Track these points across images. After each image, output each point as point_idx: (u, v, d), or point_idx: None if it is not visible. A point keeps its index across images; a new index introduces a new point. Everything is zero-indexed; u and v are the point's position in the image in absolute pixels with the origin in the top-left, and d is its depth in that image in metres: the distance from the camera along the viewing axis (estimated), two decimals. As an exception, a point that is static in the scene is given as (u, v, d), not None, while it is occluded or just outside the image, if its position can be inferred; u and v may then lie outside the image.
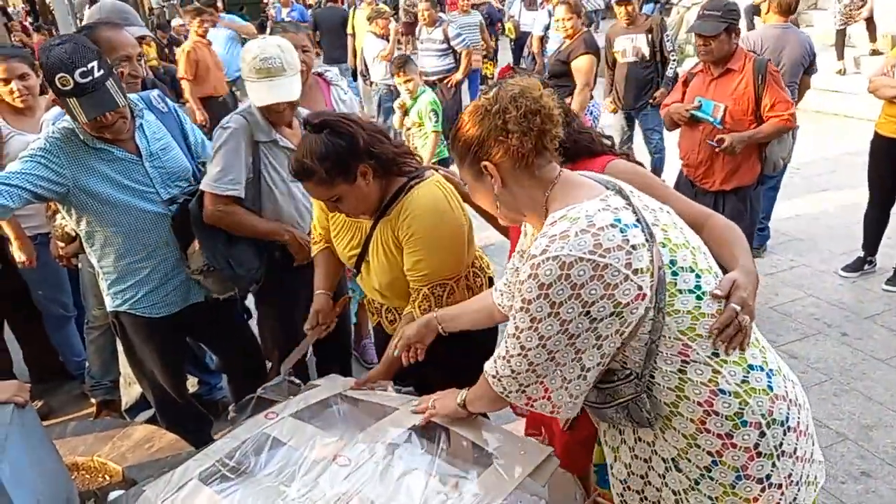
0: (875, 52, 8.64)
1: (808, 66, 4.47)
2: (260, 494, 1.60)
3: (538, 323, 1.24)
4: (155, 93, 2.46)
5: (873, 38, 8.65)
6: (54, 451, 2.14)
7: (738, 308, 1.29)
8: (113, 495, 2.00)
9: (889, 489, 2.61)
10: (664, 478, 1.40)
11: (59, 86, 1.98)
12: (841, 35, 8.47)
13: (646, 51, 5.23)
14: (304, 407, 1.99)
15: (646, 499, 1.46)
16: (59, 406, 3.31)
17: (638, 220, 1.27)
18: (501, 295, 1.70)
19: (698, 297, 1.29)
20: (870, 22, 8.47)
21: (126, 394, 2.96)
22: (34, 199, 2.08)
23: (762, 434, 1.30)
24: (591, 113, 4.93)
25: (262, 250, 2.48)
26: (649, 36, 5.22)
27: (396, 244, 1.97)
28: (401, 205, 1.92)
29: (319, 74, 2.97)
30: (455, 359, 1.89)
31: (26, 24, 16.34)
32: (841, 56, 8.59)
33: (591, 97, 5.02)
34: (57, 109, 2.47)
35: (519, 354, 1.29)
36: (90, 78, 1.98)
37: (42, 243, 2.94)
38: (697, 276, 1.31)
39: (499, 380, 1.36)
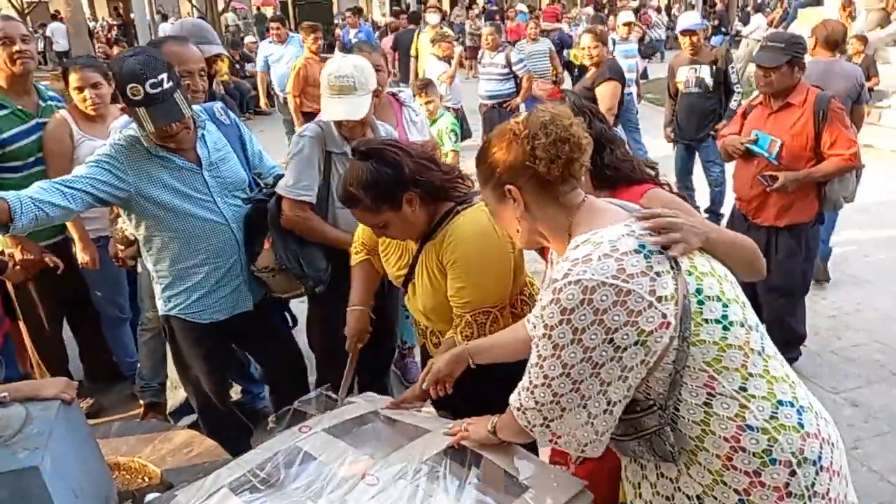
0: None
1: (856, 98, 4.38)
2: (288, 505, 1.60)
3: (561, 350, 1.21)
4: (218, 105, 2.55)
5: None
6: (97, 449, 2.19)
7: (672, 223, 1.29)
8: (149, 497, 2.03)
9: (955, 555, 2.43)
10: None
11: (130, 95, 2.07)
12: None
13: (709, 81, 5.13)
14: (338, 423, 1.99)
15: None
16: (108, 405, 3.40)
17: (663, 247, 1.25)
18: (535, 327, 1.67)
19: (725, 328, 1.26)
20: None
21: (171, 397, 3.03)
22: (97, 203, 2.17)
23: (793, 473, 1.24)
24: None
25: (329, 255, 2.54)
26: (713, 67, 5.12)
27: (441, 269, 1.96)
28: (446, 230, 1.92)
29: (394, 94, 3.03)
30: (483, 391, 1.86)
31: (110, 36, 17.26)
32: None
33: (616, 123, 5.09)
34: (125, 117, 2.58)
35: (543, 384, 1.26)
36: (159, 89, 2.06)
37: (104, 246, 3.05)
38: (724, 305, 1.28)
39: (523, 412, 1.33)
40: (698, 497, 1.31)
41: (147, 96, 2.06)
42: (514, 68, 6.92)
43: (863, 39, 8.45)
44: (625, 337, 1.19)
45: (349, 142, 2.47)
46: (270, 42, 8.99)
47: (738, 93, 5.24)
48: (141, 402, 3.23)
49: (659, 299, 1.19)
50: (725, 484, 1.27)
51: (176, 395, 3.00)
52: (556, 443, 1.31)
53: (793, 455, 1.25)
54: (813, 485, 1.26)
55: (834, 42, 4.35)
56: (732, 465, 1.25)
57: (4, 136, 2.86)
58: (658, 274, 1.20)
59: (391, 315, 2.79)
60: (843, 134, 3.15)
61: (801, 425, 1.27)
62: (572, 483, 1.57)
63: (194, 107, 2.33)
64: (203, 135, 2.35)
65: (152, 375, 3.16)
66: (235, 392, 3.31)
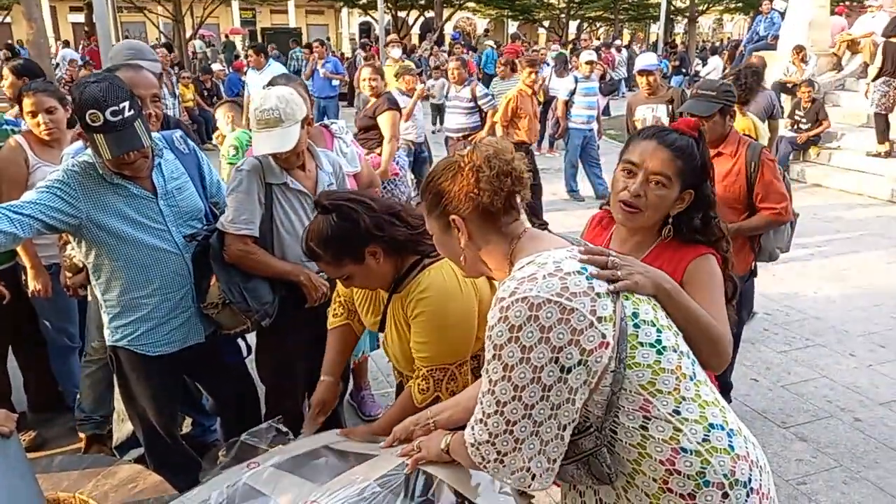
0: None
1: (771, 114, 5.75)
2: (230, 544, 1.56)
3: (511, 371, 1.23)
4: (178, 133, 2.53)
5: None
6: (35, 484, 2.11)
7: (619, 264, 1.34)
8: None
9: (898, 589, 2.48)
10: None
11: (89, 121, 2.05)
12: (882, 119, 8.55)
13: (665, 120, 5.29)
14: (288, 458, 1.96)
15: None
16: (52, 437, 3.28)
17: (608, 281, 1.30)
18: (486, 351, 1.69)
19: (658, 352, 1.30)
20: None
21: (118, 430, 2.93)
22: (46, 230, 2.12)
23: (725, 495, 1.28)
24: (398, 163, 5.43)
25: (275, 286, 2.51)
26: (670, 106, 5.29)
27: (407, 321, 1.97)
28: (412, 283, 1.93)
29: (325, 126, 3.04)
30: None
31: (73, 67, 17.08)
32: (883, 139, 8.65)
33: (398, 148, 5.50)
34: (78, 144, 2.55)
35: (496, 412, 1.26)
36: (120, 117, 2.05)
37: (56, 273, 2.98)
38: (658, 330, 1.33)
39: (477, 448, 1.32)
40: None
41: (106, 123, 2.04)
42: (479, 102, 7.04)
43: (811, 84, 8.81)
44: (569, 357, 1.21)
45: (289, 172, 2.48)
46: (252, 68, 9.18)
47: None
48: (81, 434, 3.12)
49: (599, 319, 1.23)
50: None
51: (122, 427, 2.91)
52: (509, 480, 1.30)
53: (724, 477, 1.28)
54: None
55: None
56: (668, 488, 1.28)
57: None
58: (598, 295, 1.25)
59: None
60: (775, 187, 3.10)
61: (732, 447, 1.31)
62: (521, 497, 1.58)
63: (154, 134, 2.32)
64: (160, 163, 2.33)
65: (94, 407, 3.07)
66: (186, 424, 3.23)
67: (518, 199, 1.41)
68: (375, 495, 1.61)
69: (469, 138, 7.01)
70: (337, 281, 2.25)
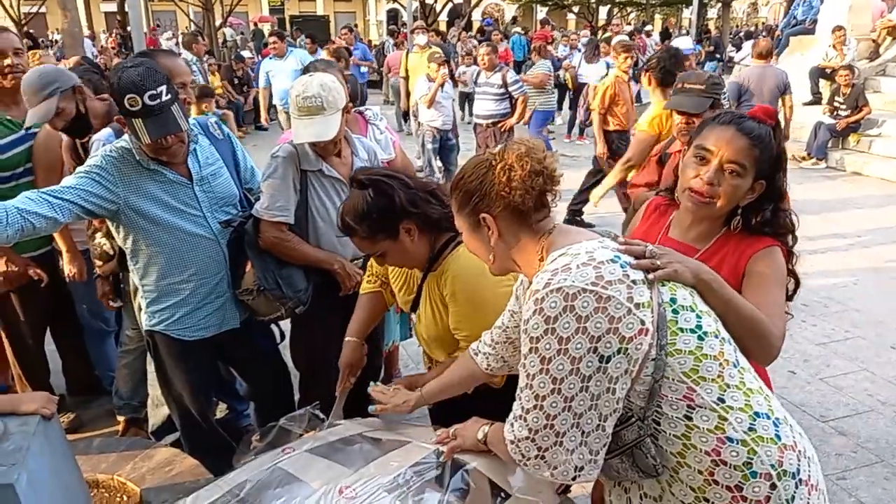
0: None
1: (783, 92, 6.90)
2: (264, 528, 1.57)
3: (549, 364, 1.21)
4: (212, 119, 2.54)
5: None
6: (75, 466, 2.15)
7: (657, 254, 1.33)
8: (135, 520, 1.98)
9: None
10: None
11: (128, 106, 2.06)
12: None
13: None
14: (323, 444, 1.96)
15: None
16: (89, 420, 3.34)
17: (646, 271, 1.29)
18: (486, 357, 1.71)
19: (700, 338, 1.28)
20: None
21: (153, 415, 2.97)
22: (85, 215, 2.14)
23: (773, 486, 1.25)
24: None
25: (310, 274, 2.51)
26: (705, 92, 5.17)
27: (443, 301, 1.96)
28: (447, 260, 1.92)
29: (360, 112, 3.02)
30: (482, 406, 1.83)
31: (114, 46, 17.29)
32: None
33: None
34: (107, 131, 2.57)
35: (535, 407, 1.25)
36: (158, 101, 2.06)
37: (90, 259, 3.01)
38: (698, 316, 1.31)
39: (517, 445, 1.31)
40: None
41: (145, 108, 2.05)
42: (509, 89, 6.97)
43: (850, 69, 8.56)
44: (608, 345, 1.20)
45: (324, 159, 2.47)
46: (271, 58, 9.11)
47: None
48: (119, 417, 3.17)
49: (637, 306, 1.22)
50: (707, 500, 1.27)
51: (158, 413, 2.94)
52: (553, 476, 1.29)
53: (772, 467, 1.25)
54: (793, 498, 1.27)
55: (766, 52, 7.38)
56: (714, 479, 1.26)
57: None
58: (634, 282, 1.24)
59: (377, 331, 2.76)
60: None
61: (779, 437, 1.28)
62: (555, 498, 1.55)
63: (189, 120, 2.32)
64: (195, 149, 2.34)
65: (132, 395, 3.12)
66: (220, 409, 3.26)
67: (549, 197, 1.40)
68: (409, 482, 1.61)
69: (499, 125, 6.95)
70: (371, 260, 2.25)
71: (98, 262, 2.89)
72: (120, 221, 2.24)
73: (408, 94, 8.63)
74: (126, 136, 2.22)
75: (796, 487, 1.27)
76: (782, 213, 1.70)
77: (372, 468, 1.71)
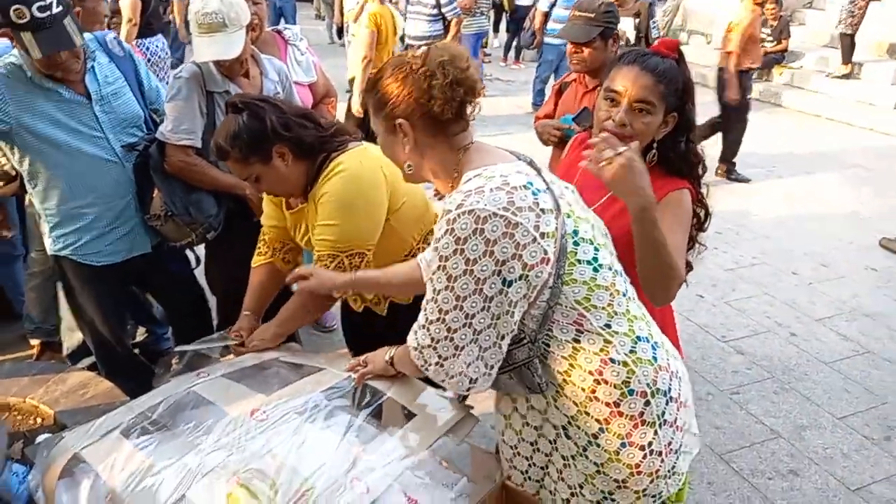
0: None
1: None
2: (174, 447, 1.60)
3: (454, 282, 1.25)
4: (111, 35, 2.39)
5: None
6: (-19, 391, 2.12)
7: (622, 149, 1.40)
8: (40, 438, 1.98)
9: (813, 488, 2.69)
10: (555, 443, 1.44)
11: (14, 18, 1.92)
12: (847, 39, 8.53)
13: (630, 35, 5.19)
14: (237, 368, 1.98)
15: (534, 464, 1.51)
16: (5, 344, 3.24)
17: (548, 188, 1.32)
18: (430, 262, 1.71)
19: (595, 269, 1.34)
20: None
21: (68, 339, 2.92)
22: (-27, 135, 2.02)
23: (647, 403, 1.36)
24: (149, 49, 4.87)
25: (221, 199, 2.46)
26: (636, 20, 5.18)
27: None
28: (321, 178, 1.91)
29: (278, 31, 2.90)
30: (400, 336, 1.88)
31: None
32: (847, 60, 8.65)
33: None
34: (4, 42, 2.39)
35: (438, 320, 1.30)
36: (48, 13, 1.93)
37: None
38: (596, 248, 1.36)
39: (420, 351, 1.36)
40: (563, 427, 1.41)
41: (34, 20, 1.91)
42: (443, 10, 6.78)
43: (778, 1, 8.71)
44: (511, 270, 1.24)
45: (231, 80, 2.39)
46: None
47: (658, 48, 5.33)
48: (33, 342, 3.10)
49: (542, 235, 1.25)
50: (588, 414, 1.37)
51: (72, 336, 2.89)
52: (449, 383, 1.35)
53: (647, 386, 1.36)
54: (663, 413, 1.38)
55: None
56: (595, 396, 1.35)
57: None
58: (543, 211, 1.26)
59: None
60: None
61: (655, 359, 1.38)
62: (459, 408, 1.63)
63: (85, 35, 2.19)
64: (93, 66, 2.21)
65: (43, 318, 3.04)
66: (140, 333, 3.23)
67: (468, 110, 1.37)
68: (319, 407, 1.66)
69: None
70: (264, 218, 2.19)
71: (-1, 183, 2.75)
72: (14, 143, 2.12)
73: (341, 9, 8.30)
74: (15, 51, 2.08)
75: (667, 404, 1.39)
76: (692, 146, 1.74)
77: (284, 392, 1.76)
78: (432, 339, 1.32)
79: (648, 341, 1.40)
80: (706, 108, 8.12)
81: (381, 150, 1.47)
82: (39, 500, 1.76)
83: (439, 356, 1.33)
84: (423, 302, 1.34)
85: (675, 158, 1.72)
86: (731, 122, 6.05)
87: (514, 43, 10.75)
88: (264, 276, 2.18)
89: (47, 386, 2.42)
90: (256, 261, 2.21)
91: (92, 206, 2.27)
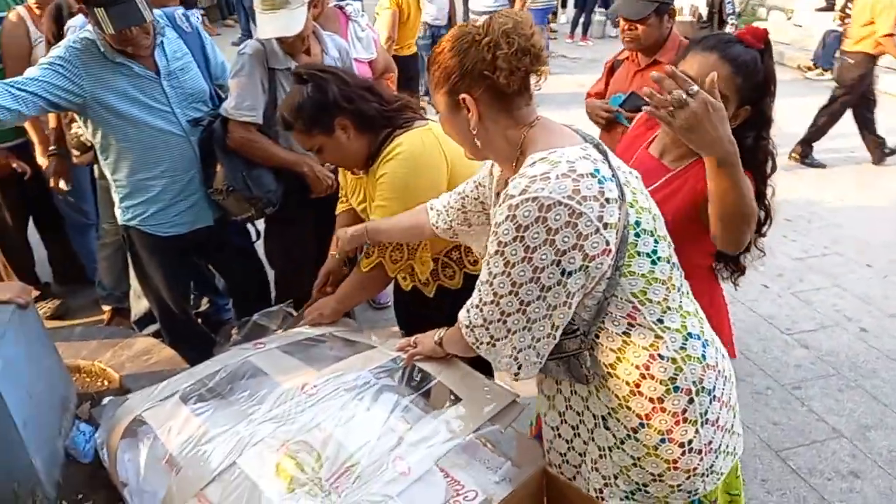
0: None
1: None
2: (228, 415, 1.66)
3: (511, 268, 1.23)
4: (179, 11, 2.45)
5: None
6: (55, 352, 2.23)
7: (695, 88, 1.26)
8: (105, 400, 2.09)
9: (876, 492, 2.58)
10: (592, 433, 1.43)
11: None
12: None
13: (703, 11, 4.99)
14: (292, 341, 2.03)
15: (573, 448, 1.50)
16: (77, 308, 3.44)
17: (613, 176, 1.26)
18: (438, 215, 1.74)
19: (653, 262, 1.30)
20: None
21: (135, 306, 3.05)
22: (50, 108, 2.12)
23: (690, 401, 1.33)
24: None
25: (280, 175, 2.51)
26: (714, -8, 4.97)
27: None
28: (381, 153, 1.92)
29: (340, 7, 2.91)
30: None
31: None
32: None
33: None
34: (82, 17, 2.48)
35: (492, 302, 1.28)
36: None
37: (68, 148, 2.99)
38: (656, 241, 1.32)
39: (471, 329, 1.35)
40: (603, 417, 1.39)
41: None
42: (508, -16, 6.68)
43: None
44: (571, 261, 1.20)
45: (293, 57, 2.41)
46: None
47: (733, 24, 5.11)
48: (105, 308, 3.26)
49: (605, 226, 1.21)
50: (630, 408, 1.34)
51: (139, 304, 3.03)
52: (498, 364, 1.35)
53: (693, 384, 1.33)
54: (706, 412, 1.35)
55: None
56: (639, 391, 1.32)
57: None
58: (608, 201, 1.21)
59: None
60: None
61: (704, 357, 1.35)
62: (505, 395, 1.63)
63: (155, 11, 2.25)
64: (162, 42, 2.27)
65: (114, 285, 3.19)
66: (204, 302, 3.35)
67: (533, 81, 1.29)
68: (368, 384, 1.69)
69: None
70: (343, 178, 2.25)
71: (75, 153, 2.88)
72: (87, 115, 2.22)
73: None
74: (89, 27, 2.15)
75: (710, 403, 1.36)
76: (763, 143, 1.65)
77: (335, 368, 1.79)
78: (485, 320, 1.30)
79: (699, 338, 1.36)
80: (784, 87, 7.79)
81: (441, 126, 1.42)
82: (104, 457, 1.87)
83: (491, 336, 1.32)
84: (478, 282, 1.32)
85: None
86: (841, 109, 5.70)
87: (582, 19, 10.50)
88: (346, 220, 2.25)
89: (114, 350, 2.55)
90: (339, 208, 2.29)
91: (159, 179, 2.35)
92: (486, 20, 1.27)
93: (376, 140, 1.94)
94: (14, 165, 2.92)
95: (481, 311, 1.30)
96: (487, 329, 1.31)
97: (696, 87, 1.25)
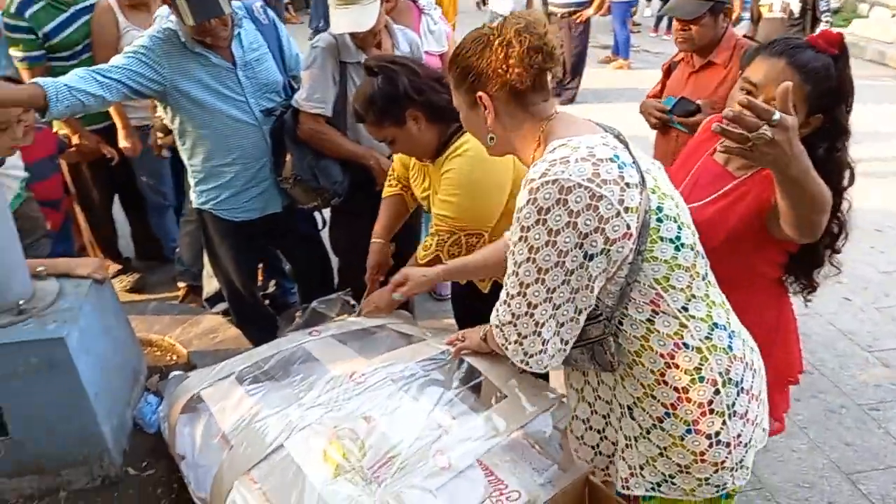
0: None
1: None
2: (280, 398, 1.72)
3: (536, 253, 1.23)
4: (258, 3, 2.52)
5: None
6: (128, 325, 2.36)
7: (777, 116, 1.12)
8: (172, 374, 2.19)
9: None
10: (620, 422, 1.42)
11: None
12: None
13: (795, 7, 4.74)
14: (347, 331, 2.08)
15: (605, 438, 1.48)
16: (154, 284, 3.61)
17: (634, 162, 1.26)
18: (512, 233, 1.70)
19: (676, 248, 1.28)
20: None
21: (207, 284, 3.18)
22: (132, 94, 2.23)
23: (717, 392, 1.31)
24: None
25: (347, 167, 2.55)
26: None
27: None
28: (450, 147, 1.93)
29: (413, 0, 2.92)
30: None
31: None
32: None
33: None
34: (167, 8, 2.60)
35: (518, 294, 1.28)
36: None
37: (146, 134, 3.15)
38: (679, 227, 1.29)
39: (501, 329, 1.34)
40: (629, 407, 1.38)
41: None
42: (590, -24, 6.55)
43: None
44: (593, 244, 1.20)
45: (365, 51, 2.43)
46: None
47: (827, 22, 4.83)
48: (180, 284, 3.41)
49: (626, 209, 1.21)
50: (655, 398, 1.33)
51: (211, 283, 3.15)
52: (527, 364, 1.33)
53: (720, 375, 1.31)
54: (734, 404, 1.33)
55: None
56: (664, 380, 1.31)
57: (46, 29, 2.89)
58: (628, 185, 1.21)
59: (412, 234, 2.81)
60: None
61: (731, 348, 1.33)
62: (552, 395, 1.61)
63: (234, 3, 2.33)
64: (239, 33, 2.35)
65: (192, 262, 3.32)
66: (272, 285, 3.46)
67: (549, 78, 1.33)
68: (415, 376, 1.71)
69: (574, 16, 6.58)
70: (393, 159, 2.28)
71: (159, 135, 3.02)
72: (167, 102, 2.32)
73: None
74: (172, 17, 2.25)
75: (738, 395, 1.33)
76: (837, 154, 1.55)
77: (384, 358, 1.82)
78: (513, 315, 1.30)
79: (726, 329, 1.34)
80: (883, 91, 7.30)
81: (463, 124, 1.48)
82: (164, 430, 1.96)
83: (518, 333, 1.31)
84: (505, 278, 1.32)
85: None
86: None
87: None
88: (394, 205, 2.30)
89: (184, 327, 2.67)
90: (387, 192, 2.32)
91: (232, 166, 2.44)
92: (500, 21, 1.32)
93: (447, 131, 1.96)
94: (103, 150, 3.09)
95: (509, 305, 1.30)
96: (515, 325, 1.30)
97: (777, 115, 1.14)
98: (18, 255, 1.93)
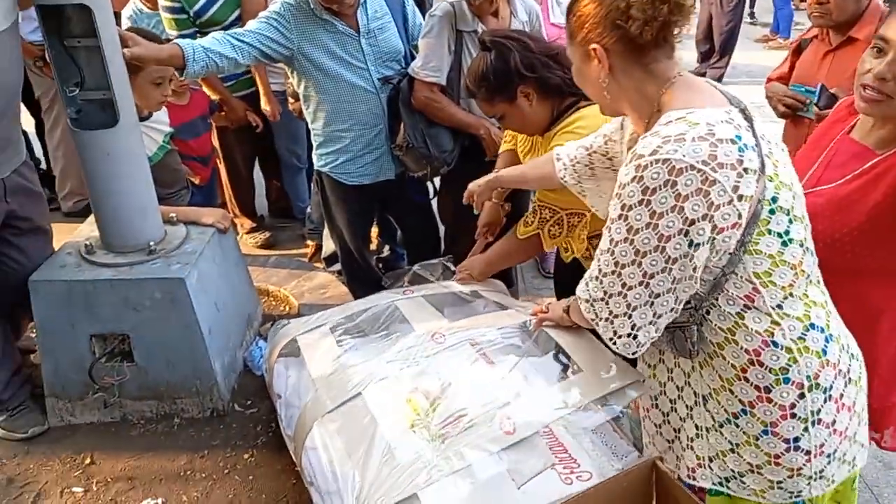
0: None
1: None
2: (365, 352, 1.81)
3: (635, 235, 1.15)
4: (384, -29, 2.59)
5: None
6: (246, 274, 2.56)
7: None
8: (281, 323, 2.35)
9: None
10: (691, 410, 1.34)
11: None
12: None
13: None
14: (439, 293, 2.13)
15: (668, 422, 1.42)
16: (284, 241, 3.83)
17: (757, 145, 1.14)
18: (564, 168, 1.67)
19: (784, 243, 1.18)
20: None
21: (326, 244, 3.35)
22: (262, 58, 2.38)
23: (801, 396, 1.21)
24: None
25: (458, 136, 2.59)
26: None
27: None
28: (562, 122, 1.89)
29: None
30: None
31: None
32: None
33: None
34: None
35: (612, 273, 1.21)
36: None
37: (286, 99, 3.35)
38: (790, 220, 1.19)
39: (591, 304, 1.29)
40: (704, 397, 1.30)
41: None
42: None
43: None
44: (700, 232, 1.11)
45: (481, 19, 2.42)
46: None
47: None
48: (309, 242, 3.61)
49: (740, 197, 1.11)
50: (733, 393, 1.25)
51: (329, 243, 3.31)
52: (614, 342, 1.28)
53: (807, 378, 1.21)
54: (818, 411, 1.22)
55: None
56: (745, 377, 1.23)
57: (196, 7, 3.09)
58: (746, 171, 1.10)
59: (526, 201, 2.80)
60: None
61: (825, 352, 1.23)
62: (630, 373, 1.56)
63: (360, -28, 2.41)
64: (365, 1, 2.43)
65: (321, 222, 3.51)
66: (386, 249, 3.59)
67: (675, 31, 1.19)
68: (493, 342, 1.72)
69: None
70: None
71: (291, 100, 3.22)
72: (294, 67, 2.45)
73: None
74: (302, -17, 2.37)
75: (824, 402, 1.22)
76: None
77: (466, 323, 1.85)
78: (605, 293, 1.24)
79: (823, 332, 1.22)
80: None
81: (574, 78, 1.37)
82: (265, 373, 2.12)
83: (610, 312, 1.25)
84: (597, 252, 1.25)
85: None
86: None
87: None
88: (510, 160, 2.28)
89: (298, 281, 2.87)
90: (503, 147, 2.33)
91: (349, 131, 2.55)
92: None
93: (560, 107, 1.93)
94: (250, 118, 3.33)
95: (601, 282, 1.24)
96: (607, 303, 1.24)
97: None
98: (152, 200, 2.14)
